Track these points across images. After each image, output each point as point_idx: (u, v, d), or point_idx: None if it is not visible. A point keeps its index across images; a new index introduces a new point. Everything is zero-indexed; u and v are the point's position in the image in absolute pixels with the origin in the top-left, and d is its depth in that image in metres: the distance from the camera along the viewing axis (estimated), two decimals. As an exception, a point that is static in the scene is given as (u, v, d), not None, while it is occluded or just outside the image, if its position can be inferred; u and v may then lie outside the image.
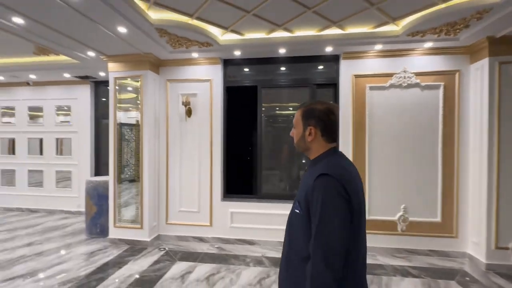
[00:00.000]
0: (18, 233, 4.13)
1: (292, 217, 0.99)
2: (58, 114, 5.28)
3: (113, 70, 3.70)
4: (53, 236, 4.01)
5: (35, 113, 5.37)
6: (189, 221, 3.83)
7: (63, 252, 3.43)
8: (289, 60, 3.76)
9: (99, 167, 5.26)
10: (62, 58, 3.91)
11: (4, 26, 2.69)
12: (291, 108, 4.11)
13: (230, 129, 3.96)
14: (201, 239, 3.79)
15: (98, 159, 5.26)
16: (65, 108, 5.25)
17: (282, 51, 3.45)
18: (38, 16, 2.48)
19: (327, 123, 0.98)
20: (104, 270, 2.96)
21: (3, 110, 5.44)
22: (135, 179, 3.69)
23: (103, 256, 3.32)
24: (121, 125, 3.73)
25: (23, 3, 2.25)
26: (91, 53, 3.50)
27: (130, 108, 3.73)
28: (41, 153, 5.32)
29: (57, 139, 5.26)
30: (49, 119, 5.28)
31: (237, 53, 3.55)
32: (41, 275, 2.83)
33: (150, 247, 3.58)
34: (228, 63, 3.86)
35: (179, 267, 3.05)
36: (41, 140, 5.31)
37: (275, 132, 4.15)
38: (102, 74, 4.58)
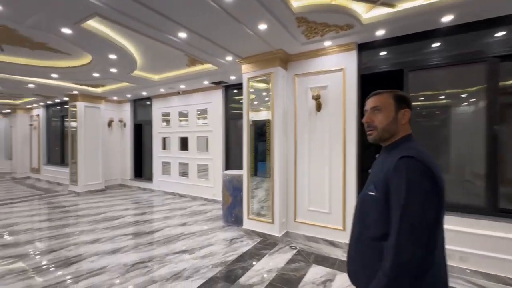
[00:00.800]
0: (175, 213, 5.13)
1: (365, 199, 1.03)
2: (198, 117, 6.28)
3: (246, 71, 3.94)
4: (198, 219, 4.73)
5: (182, 118, 6.61)
6: (319, 222, 3.60)
7: (208, 235, 3.92)
8: (450, 31, 2.87)
9: (229, 161, 5.88)
10: (206, 66, 4.52)
11: (171, 42, 3.27)
12: (443, 97, 3.14)
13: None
14: (332, 243, 3.48)
15: (228, 154, 5.89)
16: (203, 111, 6.17)
17: (447, 18, 2.64)
18: (196, 26, 2.83)
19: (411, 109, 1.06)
20: (245, 260, 3.13)
21: (163, 116, 6.99)
22: (266, 175, 3.79)
23: (240, 245, 3.57)
24: (254, 123, 3.91)
25: (185, 14, 2.57)
26: (229, 58, 3.84)
27: (261, 108, 3.85)
28: (186, 149, 6.49)
29: (198, 137, 6.26)
30: (192, 121, 6.36)
31: (380, 33, 3.00)
32: (197, 253, 3.29)
33: (281, 243, 3.59)
34: (364, 48, 3.37)
35: (316, 271, 2.84)
36: (186, 139, 6.48)
37: (427, 124, 3.29)
38: (232, 77, 5.05)
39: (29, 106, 9.54)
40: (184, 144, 6.57)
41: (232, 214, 4.35)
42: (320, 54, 3.55)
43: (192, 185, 6.37)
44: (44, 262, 3.03)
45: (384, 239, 0.90)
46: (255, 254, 3.28)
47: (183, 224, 4.44)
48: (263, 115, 3.84)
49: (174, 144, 6.72)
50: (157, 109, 7.07)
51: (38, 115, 9.37)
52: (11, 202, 6.01)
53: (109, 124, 7.72)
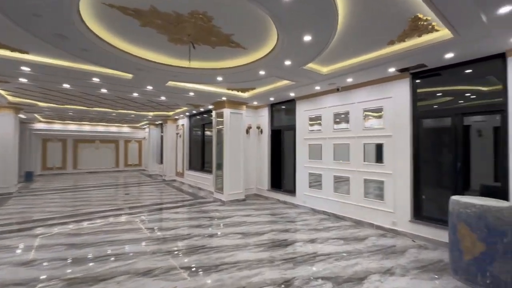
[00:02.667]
0: (353, 245, 3.81)
1: None
2: (365, 119, 4.87)
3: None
4: (401, 263, 3.23)
5: (339, 120, 5.37)
6: None
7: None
8: None
9: (419, 179, 4.15)
10: (420, 40, 3.05)
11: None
12: None
13: None
14: None
15: (417, 169, 4.18)
16: (375, 109, 4.71)
17: None
18: None
19: None
20: None
21: (310, 121, 5.99)
22: None
23: None
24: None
25: None
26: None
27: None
28: (347, 158, 5.18)
29: (365, 144, 4.85)
30: (355, 124, 5.01)
31: None
32: None
33: None
34: None
35: None
36: (346, 146, 5.17)
37: None
38: (448, 56, 3.37)
39: (176, 117, 10.75)
40: (342, 152, 5.30)
41: (486, 273, 2.62)
42: None
43: (355, 205, 4.97)
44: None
45: None
46: None
47: (388, 272, 3.03)
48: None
49: (327, 152, 5.55)
50: (303, 112, 6.15)
51: (183, 125, 10.39)
52: (174, 207, 6.32)
53: (247, 131, 7.42)
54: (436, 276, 2.93)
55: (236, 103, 6.80)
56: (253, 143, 7.62)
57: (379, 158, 4.63)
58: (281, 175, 7.03)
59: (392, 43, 3.22)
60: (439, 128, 4.11)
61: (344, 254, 3.51)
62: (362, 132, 4.90)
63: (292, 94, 5.96)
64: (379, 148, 4.64)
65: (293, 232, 4.43)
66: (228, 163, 6.69)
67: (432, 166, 4.15)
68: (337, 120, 5.40)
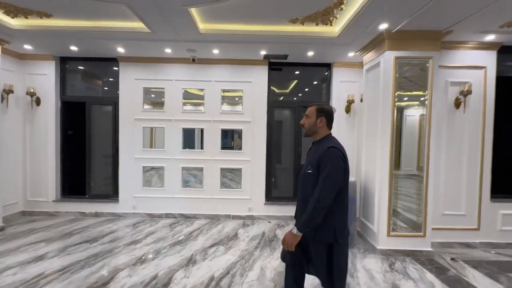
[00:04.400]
0: (241, 247, 3.29)
1: (305, 175, 1.64)
2: (224, 102, 4.35)
3: (391, 48, 3.06)
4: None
5: (191, 100, 4.36)
6: (454, 225, 3.41)
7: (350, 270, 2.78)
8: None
9: (270, 164, 4.49)
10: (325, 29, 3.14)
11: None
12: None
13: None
14: (467, 245, 3.40)
15: (270, 154, 4.48)
16: (234, 91, 4.35)
17: None
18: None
19: (331, 118, 1.67)
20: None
21: (146, 94, 4.31)
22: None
23: (405, 272, 2.76)
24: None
25: None
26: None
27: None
28: (200, 147, 4.36)
29: (222, 129, 4.35)
30: (212, 106, 4.32)
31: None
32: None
33: (437, 257, 3.10)
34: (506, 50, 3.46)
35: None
36: (200, 132, 4.35)
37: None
38: (312, 54, 3.84)
39: None
40: (191, 139, 4.38)
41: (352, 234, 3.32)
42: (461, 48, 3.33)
43: (209, 199, 4.36)
44: None
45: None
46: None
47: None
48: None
49: (174, 138, 4.33)
50: (133, 80, 4.28)
51: None
52: None
53: (2, 97, 3.88)
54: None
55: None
56: (16, 120, 4.15)
57: (239, 145, 4.38)
58: (84, 173, 4.49)
59: (294, 21, 3.01)
60: (287, 117, 4.66)
61: (240, 262, 2.87)
62: (219, 116, 4.34)
63: (120, 50, 3.90)
64: (238, 134, 4.38)
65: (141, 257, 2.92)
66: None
67: (277, 151, 4.65)
68: (187, 99, 4.37)
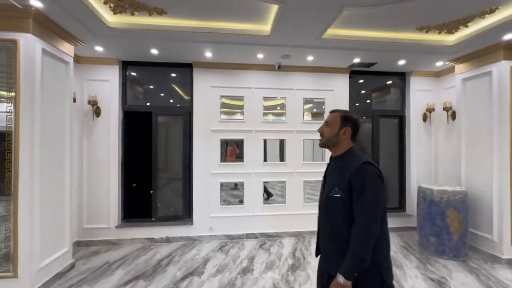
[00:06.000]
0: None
1: (330, 201, 1.28)
2: (305, 110, 4.13)
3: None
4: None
5: (270, 111, 4.07)
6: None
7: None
8: None
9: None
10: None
11: None
12: None
13: None
14: None
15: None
16: (316, 101, 4.15)
17: None
18: None
19: (357, 129, 1.34)
20: None
21: (224, 105, 3.94)
22: None
23: (553, 280, 2.75)
24: None
25: None
26: None
27: None
28: (283, 159, 4.06)
29: (304, 140, 4.10)
30: (295, 115, 4.07)
31: None
32: None
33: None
34: None
35: None
36: (283, 142, 4.06)
37: None
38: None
39: None
40: (272, 151, 4.08)
41: (465, 244, 3.25)
42: None
43: (294, 215, 4.05)
44: None
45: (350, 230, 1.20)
46: None
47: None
48: None
49: (254, 151, 3.98)
50: (208, 87, 3.90)
51: None
52: None
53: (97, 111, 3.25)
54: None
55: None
56: (74, 134, 3.52)
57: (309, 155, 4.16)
58: (149, 192, 3.94)
59: (421, 29, 2.93)
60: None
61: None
62: (301, 126, 4.10)
63: (207, 54, 3.51)
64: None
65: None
66: (35, 177, 2.45)
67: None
68: (267, 107, 4.08)
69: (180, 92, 4.06)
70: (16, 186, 2.33)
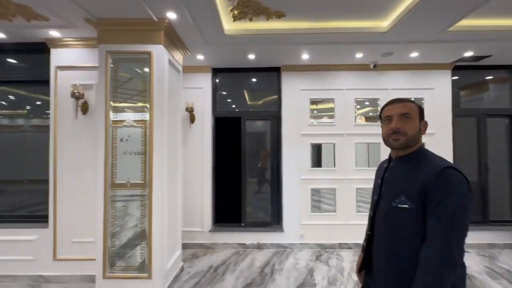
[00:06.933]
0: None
1: (393, 212, 1.03)
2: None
3: None
4: None
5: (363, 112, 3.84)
6: None
7: None
8: None
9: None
10: None
11: None
12: None
13: None
14: None
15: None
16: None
17: None
18: None
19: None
20: None
21: (313, 108, 3.82)
22: None
23: None
24: None
25: None
26: None
27: None
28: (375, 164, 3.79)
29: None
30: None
31: None
32: None
33: None
34: None
35: None
36: (378, 147, 3.79)
37: None
38: None
39: None
40: (362, 156, 3.82)
41: None
42: None
43: (388, 225, 3.73)
44: None
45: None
46: None
47: None
48: None
49: (346, 156, 3.77)
50: (297, 90, 3.81)
51: None
52: None
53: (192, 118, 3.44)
54: None
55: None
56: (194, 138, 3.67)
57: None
58: (238, 198, 3.95)
59: None
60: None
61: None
62: (396, 128, 3.78)
63: (304, 57, 3.43)
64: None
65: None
66: (164, 180, 2.55)
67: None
68: (358, 108, 3.86)
69: (267, 96, 4.03)
70: (150, 189, 2.45)
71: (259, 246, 3.75)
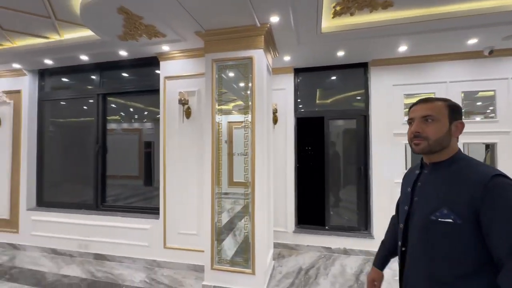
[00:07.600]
0: None
1: (432, 227, 0.90)
2: (525, 103, 3.16)
3: None
4: None
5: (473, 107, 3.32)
6: None
7: None
8: None
9: None
10: None
11: None
12: None
13: None
14: None
15: None
16: (544, 91, 3.12)
17: None
18: None
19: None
20: None
21: (408, 105, 3.47)
22: None
23: None
24: None
25: None
26: None
27: None
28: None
29: (526, 144, 3.12)
30: (508, 111, 3.18)
31: None
32: None
33: None
34: None
35: None
36: (493, 146, 3.22)
37: None
38: None
39: None
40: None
41: None
42: None
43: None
44: None
45: (478, 274, 0.82)
46: None
47: None
48: None
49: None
50: (389, 86, 3.50)
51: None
52: None
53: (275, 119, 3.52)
54: None
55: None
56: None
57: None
58: (321, 199, 3.85)
59: None
60: None
61: None
62: (520, 124, 3.15)
63: (402, 48, 3.14)
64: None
65: None
66: (264, 177, 2.63)
67: None
68: (465, 103, 3.34)
69: (352, 94, 3.82)
70: (253, 188, 2.55)
71: (346, 252, 3.57)
